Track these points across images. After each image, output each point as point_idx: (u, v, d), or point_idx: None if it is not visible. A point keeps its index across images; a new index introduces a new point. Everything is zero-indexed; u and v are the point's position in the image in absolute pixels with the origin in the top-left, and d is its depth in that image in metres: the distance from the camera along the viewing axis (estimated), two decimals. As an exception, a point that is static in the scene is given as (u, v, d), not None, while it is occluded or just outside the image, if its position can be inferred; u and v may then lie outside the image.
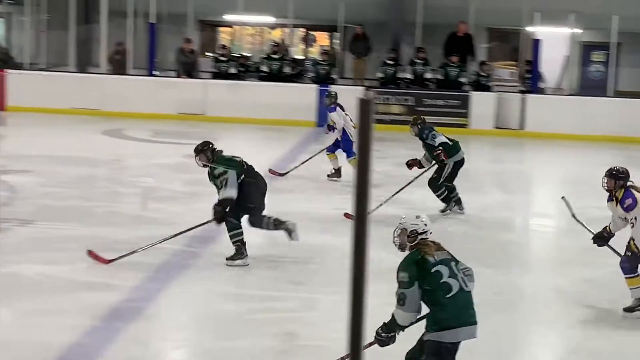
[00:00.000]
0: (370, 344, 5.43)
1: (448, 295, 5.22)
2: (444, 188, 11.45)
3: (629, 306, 7.68)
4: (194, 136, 17.35)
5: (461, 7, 20.71)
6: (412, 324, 5.37)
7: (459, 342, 5.28)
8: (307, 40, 24.43)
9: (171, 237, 8.89)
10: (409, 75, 20.53)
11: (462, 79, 20.19)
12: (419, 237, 5.45)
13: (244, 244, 8.79)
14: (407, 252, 5.46)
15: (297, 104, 19.37)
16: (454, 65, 20.15)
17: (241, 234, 8.79)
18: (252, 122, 19.15)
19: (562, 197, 8.72)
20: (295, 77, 20.84)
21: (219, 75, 20.70)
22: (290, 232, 9.00)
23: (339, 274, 8.36)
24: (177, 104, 19.83)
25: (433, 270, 5.24)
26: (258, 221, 8.94)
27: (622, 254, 7.70)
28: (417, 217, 5.57)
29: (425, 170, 11.55)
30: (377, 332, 5.42)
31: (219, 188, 8.71)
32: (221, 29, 24.82)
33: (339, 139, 13.44)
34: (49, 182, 12.54)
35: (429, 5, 20.97)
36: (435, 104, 19.63)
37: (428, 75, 20.50)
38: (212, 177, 8.78)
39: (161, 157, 14.37)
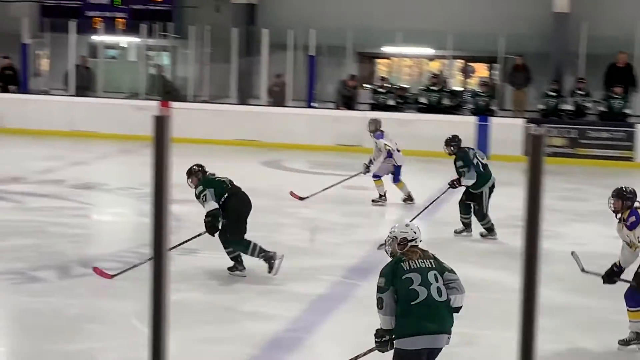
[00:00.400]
0: (371, 350, 5.76)
1: (412, 302, 5.39)
2: (489, 217, 11.48)
3: (626, 339, 7.40)
4: (352, 168, 17.44)
5: (626, 36, 20.18)
6: None
7: (424, 350, 5.40)
8: (466, 72, 24.27)
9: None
10: (570, 107, 20.11)
11: (627, 111, 19.63)
12: (409, 244, 5.70)
13: (264, 251, 9.16)
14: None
15: (456, 135, 19.20)
16: (618, 96, 19.63)
17: (255, 245, 9.17)
18: (410, 154, 18.99)
19: (572, 253, 8.21)
20: (454, 109, 20.72)
21: (377, 106, 20.78)
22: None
23: (498, 309, 8.24)
24: (335, 136, 20.00)
25: (404, 277, 5.46)
26: (234, 243, 9.19)
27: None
28: (407, 225, 5.92)
29: (443, 194, 11.91)
30: (374, 341, 5.65)
31: (203, 207, 9.12)
32: (379, 60, 24.93)
33: (373, 160, 13.74)
34: (211, 211, 12.78)
35: (593, 36, 20.48)
36: (599, 137, 19.14)
37: (589, 106, 20.06)
38: (196, 197, 9.18)
39: (319, 188, 14.48)
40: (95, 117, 20.84)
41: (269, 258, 9.13)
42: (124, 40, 25.16)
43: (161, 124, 2.40)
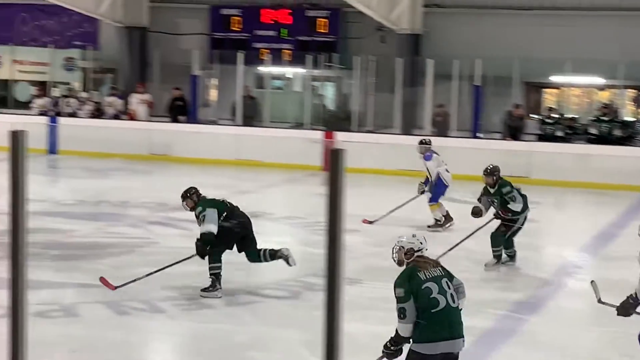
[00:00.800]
0: (379, 359, 6.00)
1: (434, 311, 5.68)
2: (502, 248, 11.23)
3: None
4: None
5: None
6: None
7: (440, 355, 5.68)
8: (638, 102, 23.53)
9: (155, 272, 9.60)
10: None
11: None
12: (415, 254, 5.97)
13: (218, 278, 9.41)
14: (403, 267, 5.96)
15: (628, 167, 18.63)
16: None
17: (219, 268, 9.42)
18: (579, 185, 18.64)
19: (592, 282, 7.67)
20: (626, 140, 20.09)
21: (544, 137, 20.37)
22: (286, 258, 9.68)
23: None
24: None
25: (423, 286, 5.71)
26: (254, 256, 9.69)
27: None
28: (414, 235, 6.14)
29: (489, 222, 11.50)
30: (385, 346, 5.92)
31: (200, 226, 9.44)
32: (546, 90, 24.48)
33: (433, 183, 13.90)
34: (375, 241, 12.76)
35: None
36: None
37: None
38: (197, 218, 9.49)
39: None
40: (261, 147, 21.18)
41: (213, 286, 9.42)
42: (289, 71, 25.56)
43: (337, 157, 2.40)
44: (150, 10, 25.64)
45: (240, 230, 9.62)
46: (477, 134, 20.98)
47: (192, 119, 23.14)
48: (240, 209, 9.78)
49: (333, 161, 2.43)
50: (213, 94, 25.58)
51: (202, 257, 9.46)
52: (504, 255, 11.44)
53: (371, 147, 20.56)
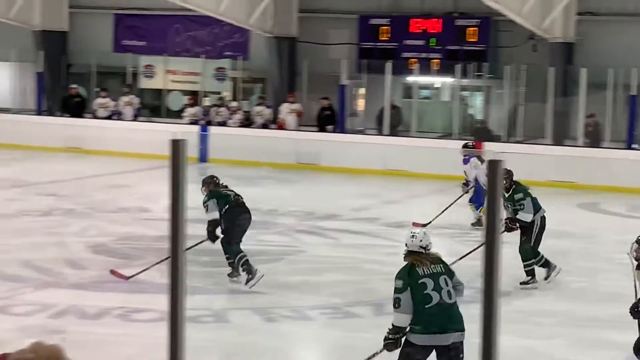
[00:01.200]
0: (376, 353, 6.39)
1: (427, 306, 6.07)
2: (533, 259, 10.67)
3: None
4: (676, 212, 16.55)
5: None
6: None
7: (431, 346, 6.11)
8: None
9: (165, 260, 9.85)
10: None
11: None
12: (406, 248, 6.37)
13: (249, 265, 10.05)
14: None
15: None
16: None
17: (244, 256, 10.09)
18: None
19: (628, 253, 7.31)
20: None
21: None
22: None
23: None
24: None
25: (420, 281, 6.13)
26: (228, 249, 10.20)
27: None
28: (411, 232, 6.55)
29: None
30: (385, 338, 6.24)
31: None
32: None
33: (474, 189, 14.10)
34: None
35: None
36: None
37: None
38: (203, 205, 10.21)
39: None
40: (408, 156, 21.08)
41: (250, 272, 10.02)
42: (437, 80, 25.38)
43: (495, 167, 2.37)
44: (299, 20, 25.90)
45: (238, 224, 10.24)
46: (632, 145, 20.36)
47: (340, 128, 23.25)
48: (246, 205, 10.37)
49: (491, 172, 2.40)
50: (360, 104, 25.64)
51: (213, 241, 10.23)
52: (524, 277, 10.80)
53: (520, 157, 20.21)
